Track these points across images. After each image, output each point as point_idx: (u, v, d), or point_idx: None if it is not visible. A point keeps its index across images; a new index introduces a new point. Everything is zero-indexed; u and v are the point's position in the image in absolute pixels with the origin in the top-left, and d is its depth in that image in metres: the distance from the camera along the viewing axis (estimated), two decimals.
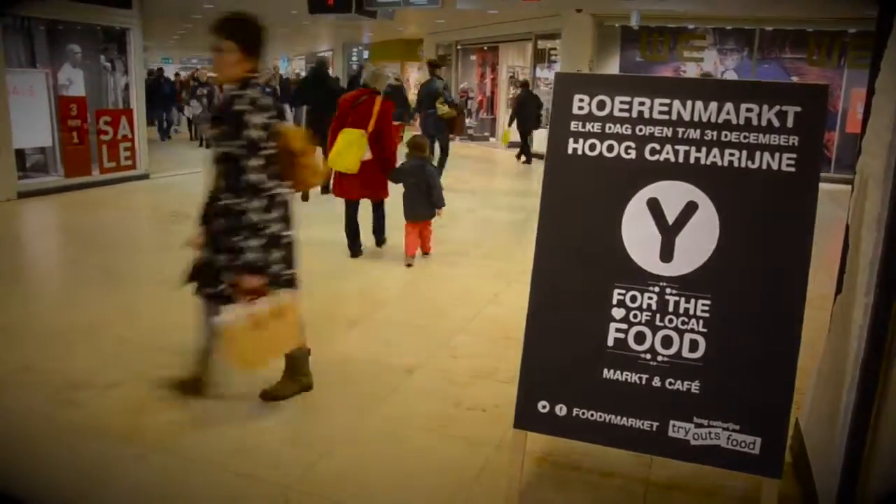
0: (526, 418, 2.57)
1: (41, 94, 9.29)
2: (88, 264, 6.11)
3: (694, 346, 2.40)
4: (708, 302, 2.39)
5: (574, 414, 2.51)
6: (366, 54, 24.05)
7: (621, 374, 2.48)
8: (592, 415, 2.49)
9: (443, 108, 9.87)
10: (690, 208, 2.42)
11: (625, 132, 2.50)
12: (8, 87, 8.50)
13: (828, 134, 12.53)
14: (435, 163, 8.25)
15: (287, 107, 14.66)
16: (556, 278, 2.57)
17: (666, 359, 2.42)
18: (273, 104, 3.05)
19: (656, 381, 2.43)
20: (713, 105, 2.41)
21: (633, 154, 2.49)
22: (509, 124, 14.95)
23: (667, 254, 2.43)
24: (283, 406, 3.40)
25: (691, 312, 2.41)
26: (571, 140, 2.57)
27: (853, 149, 3.01)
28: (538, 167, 14.89)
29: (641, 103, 2.49)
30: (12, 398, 3.44)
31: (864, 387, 2.21)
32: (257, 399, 3.41)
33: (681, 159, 2.44)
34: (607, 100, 2.53)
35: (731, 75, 13.82)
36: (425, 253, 6.29)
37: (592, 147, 2.54)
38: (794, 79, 13.32)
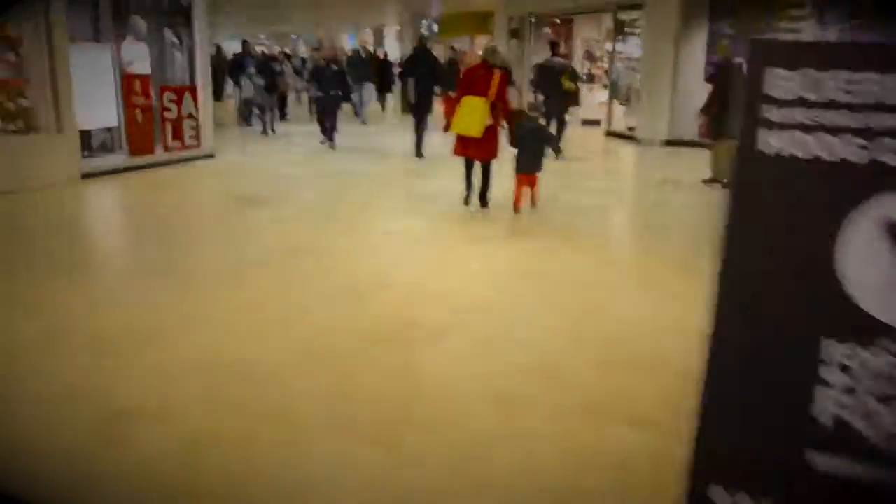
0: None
1: (106, 70, 8.96)
2: (150, 257, 5.69)
3: None
4: None
5: None
6: (436, 28, 23.29)
7: (836, 461, 1.78)
8: None
9: (569, 84, 10.98)
10: None
11: (850, 123, 1.77)
12: (71, 62, 8.15)
13: None
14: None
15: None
16: (744, 329, 1.87)
17: None
18: None
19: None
20: None
21: (862, 155, 1.76)
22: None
23: None
24: None
25: None
26: (768, 134, 1.86)
27: None
28: (607, 144, 14.14)
29: (877, 81, 1.76)
30: (50, 430, 2.94)
31: None
32: None
33: None
34: (823, 77, 1.80)
35: None
36: (533, 205, 7.11)
37: (799, 144, 1.82)
38: None
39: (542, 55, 19.94)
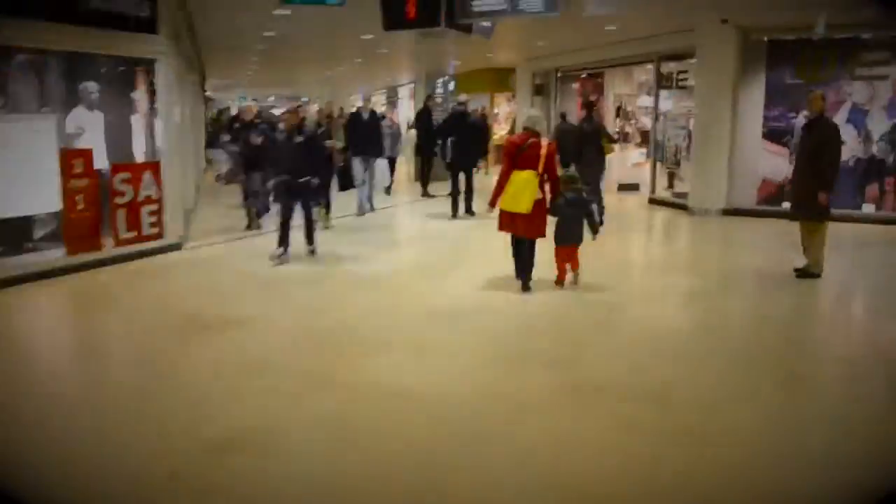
0: None
1: (49, 145, 7.19)
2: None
3: None
4: None
5: None
6: (452, 86, 21.68)
7: None
8: None
9: (608, 147, 10.60)
10: None
11: None
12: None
13: None
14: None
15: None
16: None
17: None
18: None
19: None
20: None
21: None
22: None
23: None
24: None
25: None
26: None
27: None
28: (654, 215, 12.11)
29: None
30: None
31: None
32: None
33: None
34: None
35: None
36: (574, 270, 6.71)
37: None
38: None
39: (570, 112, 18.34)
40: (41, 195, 7.21)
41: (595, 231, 6.59)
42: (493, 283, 6.81)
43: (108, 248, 7.64)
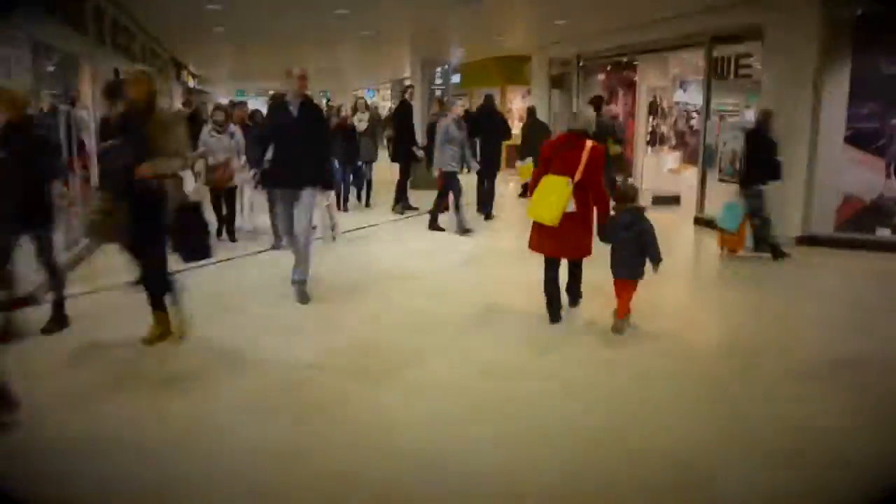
0: None
1: None
2: None
3: None
4: None
5: None
6: (456, 78, 18.95)
7: None
8: None
9: (613, 148, 9.81)
10: None
11: None
12: None
13: None
14: None
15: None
16: None
17: None
18: None
19: None
20: None
21: None
22: (521, 158, 12.51)
23: None
24: None
25: None
26: None
27: None
28: (703, 241, 8.59)
29: None
30: None
31: None
32: None
33: None
34: None
35: None
36: (621, 315, 5.39)
37: None
38: None
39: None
40: None
41: (656, 262, 5.27)
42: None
43: None
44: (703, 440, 3.67)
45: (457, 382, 4.42)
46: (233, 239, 8.75)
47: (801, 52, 8.65)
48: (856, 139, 8.84)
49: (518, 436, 3.69)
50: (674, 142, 15.14)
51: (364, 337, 5.30)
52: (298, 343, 5.09)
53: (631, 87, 14.85)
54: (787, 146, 8.56)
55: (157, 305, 4.96)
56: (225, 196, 8.67)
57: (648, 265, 5.28)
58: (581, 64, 14.28)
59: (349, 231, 9.58)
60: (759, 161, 8.06)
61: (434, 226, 9.58)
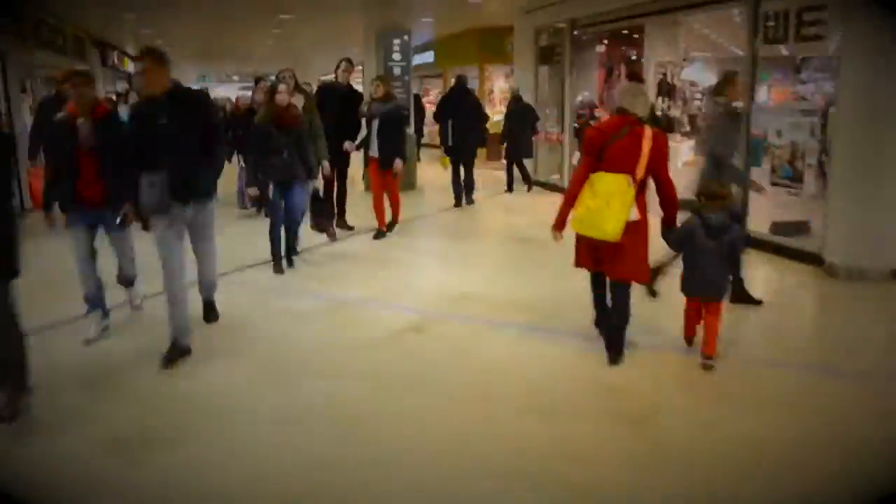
0: None
1: None
2: None
3: None
4: None
5: None
6: (429, 57, 16.06)
7: None
8: None
9: None
10: None
11: None
12: None
13: None
14: None
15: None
16: None
17: None
18: None
19: None
20: None
21: None
22: (506, 151, 11.91)
23: None
24: None
25: None
26: None
27: None
28: (790, 282, 5.90)
29: None
30: None
31: None
32: None
33: None
34: None
35: None
36: (708, 357, 4.29)
37: None
38: None
39: (590, 88, 12.83)
40: None
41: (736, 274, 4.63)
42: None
43: None
44: None
45: None
46: None
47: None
48: None
49: None
50: (687, 127, 12.42)
51: None
52: None
53: (637, 61, 12.10)
54: (877, 145, 5.86)
55: None
56: None
57: None
58: (574, 33, 11.44)
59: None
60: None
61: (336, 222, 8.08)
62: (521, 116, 11.61)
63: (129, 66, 20.74)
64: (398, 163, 7.69)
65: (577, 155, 12.08)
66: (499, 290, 6.07)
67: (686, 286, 4.43)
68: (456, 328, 5.19)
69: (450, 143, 10.10)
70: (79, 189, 4.55)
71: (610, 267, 4.36)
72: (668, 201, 4.33)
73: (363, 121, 7.91)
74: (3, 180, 3.61)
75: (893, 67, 5.98)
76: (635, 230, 4.18)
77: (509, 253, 7.91)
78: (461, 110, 10.05)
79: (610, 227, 4.07)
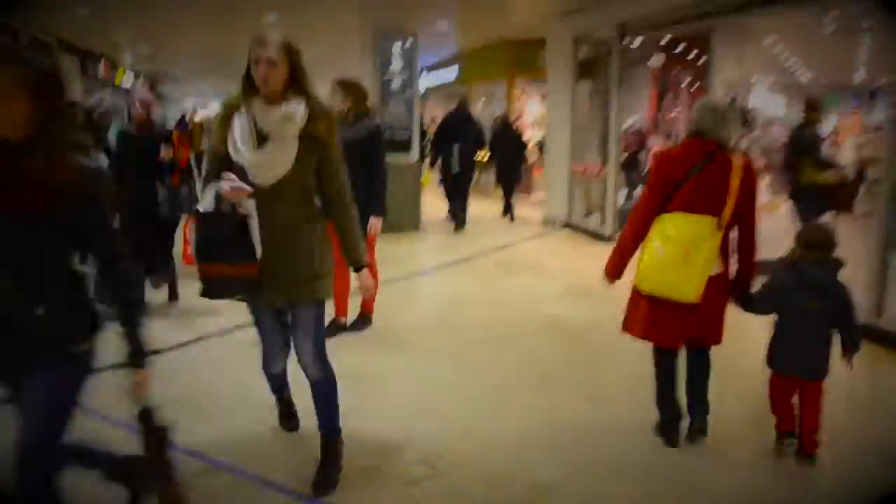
0: None
1: None
2: None
3: None
4: None
5: None
6: (452, 74, 13.99)
7: None
8: None
9: (816, 174, 6.58)
10: None
11: None
12: None
13: None
14: None
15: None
16: None
17: None
18: None
19: None
20: None
21: None
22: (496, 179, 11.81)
23: None
24: None
25: None
26: None
27: None
28: None
29: None
30: None
31: None
32: None
33: None
34: None
35: None
36: (808, 454, 3.50)
37: None
38: None
39: (640, 108, 10.65)
40: None
41: (854, 348, 3.43)
42: None
43: None
44: None
45: None
46: None
47: None
48: None
49: None
50: (762, 161, 10.26)
51: None
52: None
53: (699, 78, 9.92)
54: None
55: None
56: None
57: None
58: (623, 42, 9.21)
59: None
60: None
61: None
62: (508, 141, 11.29)
63: (125, 81, 18.94)
64: (374, 222, 4.85)
65: (623, 193, 9.87)
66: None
67: (778, 360, 3.58)
68: None
69: (456, 170, 9.74)
70: None
71: (686, 330, 3.50)
72: (751, 253, 3.55)
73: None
74: None
75: None
76: (718, 285, 3.43)
77: (557, 365, 4.79)
78: (464, 136, 9.77)
79: (691, 286, 3.28)
